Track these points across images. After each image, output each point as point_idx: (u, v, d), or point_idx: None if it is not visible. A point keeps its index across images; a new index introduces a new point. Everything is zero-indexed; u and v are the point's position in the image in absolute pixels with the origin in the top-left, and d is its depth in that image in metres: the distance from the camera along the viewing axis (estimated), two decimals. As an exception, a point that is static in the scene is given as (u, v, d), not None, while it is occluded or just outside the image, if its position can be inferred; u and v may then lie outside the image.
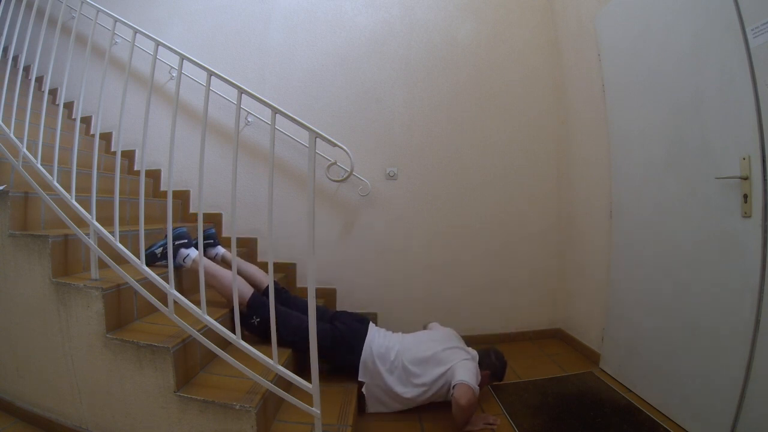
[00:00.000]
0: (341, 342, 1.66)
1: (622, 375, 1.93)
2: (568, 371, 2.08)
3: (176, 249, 1.65)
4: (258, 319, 1.60)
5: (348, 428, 1.34)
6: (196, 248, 1.71)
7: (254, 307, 1.62)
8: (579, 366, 2.14)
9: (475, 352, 1.76)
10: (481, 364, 1.72)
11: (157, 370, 1.24)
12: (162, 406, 1.25)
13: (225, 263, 1.94)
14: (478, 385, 1.61)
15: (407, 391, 1.61)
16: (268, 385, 1.20)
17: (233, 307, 1.27)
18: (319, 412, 1.17)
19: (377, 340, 1.69)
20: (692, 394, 1.49)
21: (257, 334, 1.61)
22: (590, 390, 1.86)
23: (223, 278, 1.64)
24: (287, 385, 1.24)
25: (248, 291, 1.66)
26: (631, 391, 1.83)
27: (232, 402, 1.19)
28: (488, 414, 1.65)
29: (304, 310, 1.70)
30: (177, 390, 1.24)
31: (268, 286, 1.85)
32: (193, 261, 1.67)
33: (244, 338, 1.23)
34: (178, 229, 1.68)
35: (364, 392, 1.64)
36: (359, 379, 1.64)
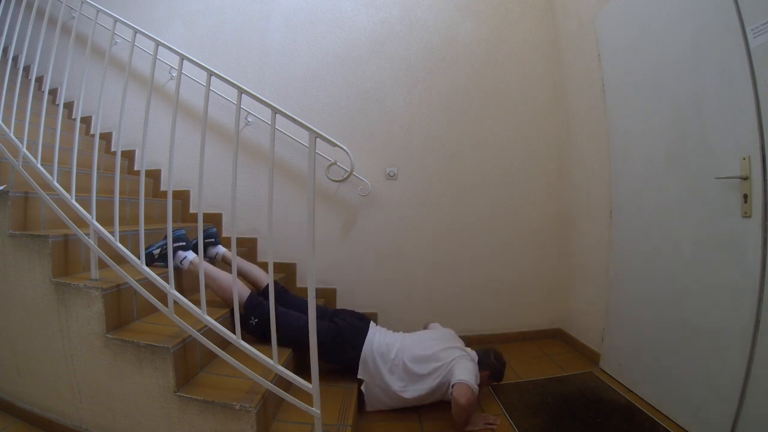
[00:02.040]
0: (341, 340, 1.65)
1: (622, 375, 1.93)
2: (568, 371, 2.08)
3: (174, 251, 1.64)
4: (256, 320, 1.60)
5: (348, 428, 1.34)
6: (194, 251, 1.71)
7: (252, 307, 1.62)
8: (579, 366, 2.14)
9: (474, 353, 1.76)
10: (480, 365, 1.72)
11: (157, 370, 1.24)
12: (162, 406, 1.25)
13: (225, 263, 1.94)
14: (477, 386, 1.61)
15: (406, 391, 1.62)
16: (268, 385, 1.20)
17: (233, 308, 1.27)
18: (319, 412, 1.17)
19: (378, 338, 1.69)
20: (692, 394, 1.50)
21: (256, 335, 1.61)
22: (590, 390, 1.86)
23: (221, 280, 1.63)
24: (287, 385, 1.24)
25: (245, 292, 1.66)
26: (631, 391, 1.83)
27: (232, 402, 1.19)
28: (488, 414, 1.65)
29: (304, 310, 1.69)
30: (177, 390, 1.24)
31: (267, 286, 1.87)
32: (191, 263, 1.67)
33: (243, 336, 1.23)
34: (177, 231, 1.67)
35: (363, 390, 1.64)
36: (358, 376, 1.64)
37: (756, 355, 1.25)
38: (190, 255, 1.69)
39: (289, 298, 1.90)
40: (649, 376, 1.73)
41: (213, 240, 1.96)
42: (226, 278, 1.63)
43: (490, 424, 1.58)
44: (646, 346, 1.77)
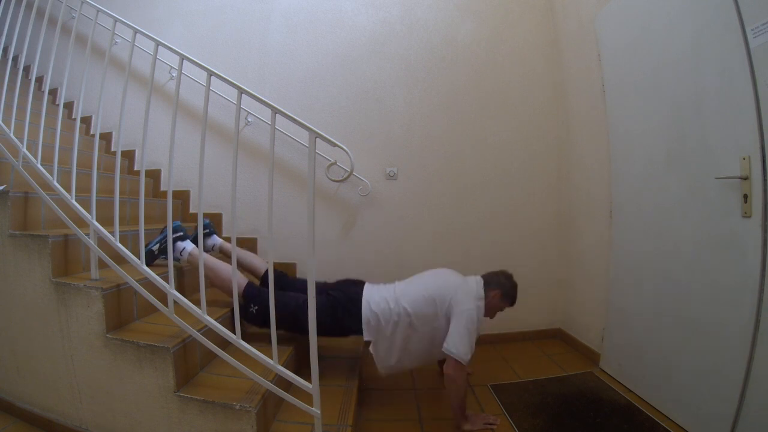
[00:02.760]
0: (340, 308, 1.63)
1: (622, 375, 1.93)
2: (568, 371, 2.08)
3: (173, 242, 1.64)
4: (256, 308, 1.59)
5: (348, 428, 1.34)
6: (192, 241, 1.72)
7: (251, 296, 1.61)
8: (579, 366, 2.14)
9: (478, 278, 1.73)
10: (489, 285, 1.69)
11: (157, 370, 1.24)
12: (162, 406, 1.25)
13: (223, 254, 1.95)
14: (491, 308, 1.64)
15: (413, 338, 1.59)
16: (268, 385, 1.20)
17: (233, 303, 1.27)
18: (319, 412, 1.17)
19: (374, 295, 1.67)
20: (692, 394, 1.50)
21: (257, 323, 1.61)
22: (590, 390, 1.86)
23: (220, 271, 1.63)
24: (287, 385, 1.24)
25: (243, 281, 1.65)
26: (631, 391, 1.83)
27: (232, 402, 1.19)
28: (488, 414, 1.65)
29: (301, 290, 1.66)
30: (177, 390, 1.24)
31: (265, 272, 1.86)
32: (190, 254, 1.67)
33: (243, 336, 1.23)
34: (173, 222, 1.67)
35: (371, 351, 1.62)
36: (365, 338, 1.61)
37: (756, 354, 1.25)
38: (189, 246, 1.68)
39: (288, 280, 1.88)
40: (649, 376, 1.73)
41: (208, 231, 1.95)
42: (225, 269, 1.63)
43: (490, 424, 1.57)
44: (646, 346, 1.77)
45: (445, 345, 1.53)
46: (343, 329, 1.65)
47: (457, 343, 1.51)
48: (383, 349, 1.62)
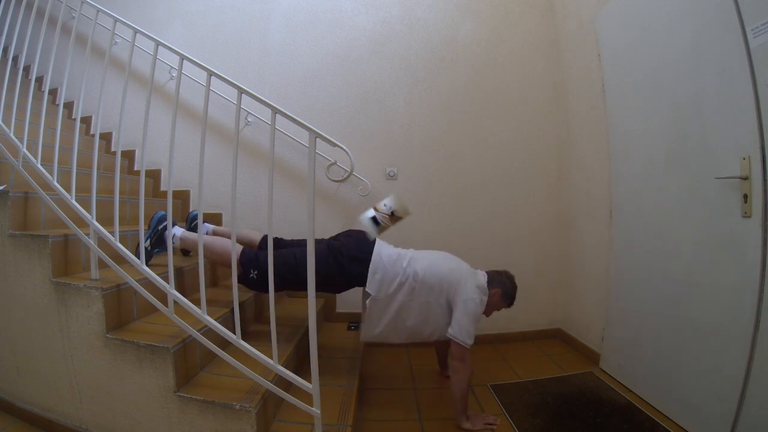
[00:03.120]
0: (344, 255, 1.61)
1: (622, 375, 1.93)
2: (568, 371, 2.08)
3: (162, 234, 1.63)
4: (256, 272, 1.58)
5: (348, 428, 1.34)
6: (181, 227, 1.75)
7: (248, 262, 1.60)
8: (579, 366, 2.14)
9: (483, 273, 1.75)
10: (491, 283, 1.71)
11: (157, 370, 1.24)
12: (162, 406, 1.25)
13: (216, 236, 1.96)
14: (490, 305, 1.65)
15: (410, 308, 1.59)
16: (268, 385, 1.20)
17: (234, 299, 1.26)
18: (319, 412, 1.17)
19: (387, 249, 1.66)
20: (692, 394, 1.50)
21: (258, 288, 1.62)
22: (590, 390, 1.86)
23: (215, 246, 1.62)
24: (287, 385, 1.24)
25: (238, 248, 1.62)
26: (631, 391, 1.83)
27: (232, 402, 1.19)
28: (488, 414, 1.65)
29: (300, 245, 1.74)
30: (177, 390, 1.23)
31: (261, 241, 1.90)
32: (180, 239, 1.67)
33: (243, 336, 1.23)
34: (158, 213, 1.68)
35: (367, 304, 1.61)
36: (366, 289, 1.60)
37: (756, 355, 1.25)
38: (178, 231, 1.68)
39: (285, 243, 1.89)
40: (649, 376, 1.73)
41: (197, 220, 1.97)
42: (220, 242, 1.63)
43: (490, 424, 1.57)
44: (646, 346, 1.77)
45: (450, 331, 1.55)
46: (350, 276, 1.62)
47: (462, 330, 1.53)
48: (378, 308, 1.61)
